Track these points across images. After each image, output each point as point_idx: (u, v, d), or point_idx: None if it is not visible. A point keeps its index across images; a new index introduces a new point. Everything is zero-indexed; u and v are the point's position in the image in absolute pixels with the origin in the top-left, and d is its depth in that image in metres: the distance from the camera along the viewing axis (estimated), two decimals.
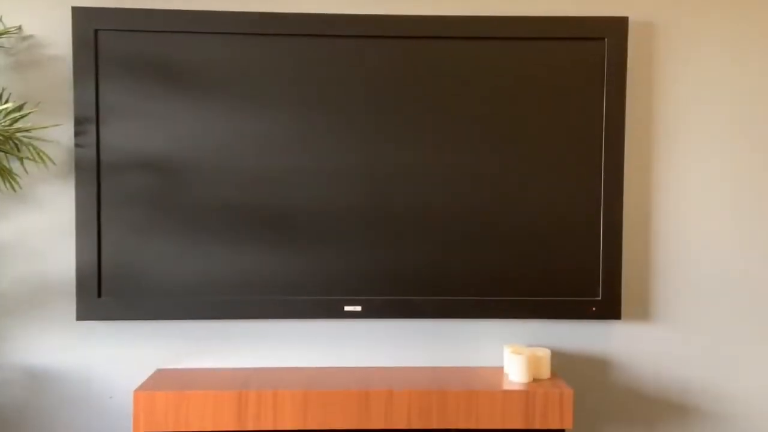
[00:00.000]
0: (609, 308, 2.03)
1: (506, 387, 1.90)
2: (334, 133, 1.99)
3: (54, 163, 1.95)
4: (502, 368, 2.05)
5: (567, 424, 1.87)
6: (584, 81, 2.01)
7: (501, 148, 2.02)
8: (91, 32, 1.93)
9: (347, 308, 2.01)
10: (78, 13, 1.93)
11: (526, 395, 1.87)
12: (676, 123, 2.08)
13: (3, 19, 1.95)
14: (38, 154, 1.87)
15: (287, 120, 1.99)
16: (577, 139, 2.02)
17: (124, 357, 2.04)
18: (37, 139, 1.90)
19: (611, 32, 2.00)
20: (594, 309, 2.03)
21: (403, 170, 2.01)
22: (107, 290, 1.97)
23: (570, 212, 2.03)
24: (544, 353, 1.99)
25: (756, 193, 2.10)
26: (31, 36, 1.98)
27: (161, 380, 1.94)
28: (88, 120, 1.94)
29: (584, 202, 2.02)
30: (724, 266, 2.11)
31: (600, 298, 2.03)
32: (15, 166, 1.92)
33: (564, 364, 2.09)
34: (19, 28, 1.97)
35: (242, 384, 1.90)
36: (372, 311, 2.01)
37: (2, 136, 1.81)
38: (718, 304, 2.11)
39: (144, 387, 1.88)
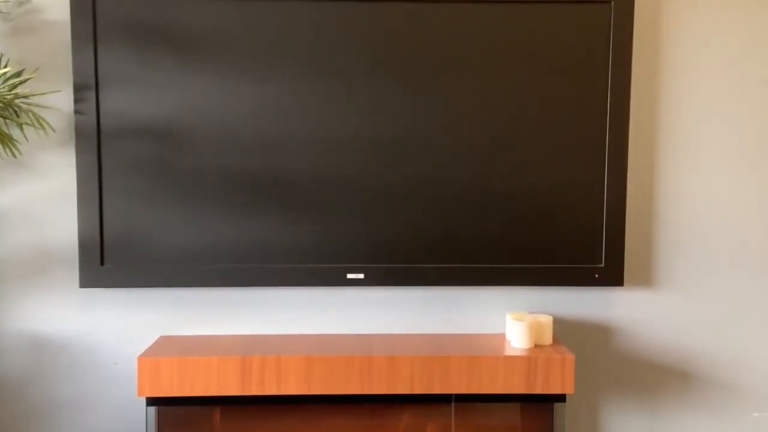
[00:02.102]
0: (612, 275, 2.03)
1: (508, 353, 1.91)
2: (336, 100, 1.97)
3: (54, 130, 1.94)
4: (504, 335, 2.06)
5: (568, 389, 1.88)
6: (590, 45, 1.98)
7: (504, 114, 1.99)
8: None
9: (350, 276, 2.01)
10: None
11: (528, 360, 1.87)
12: (683, 88, 2.06)
13: None
14: (38, 120, 1.85)
15: (290, 86, 1.96)
16: (581, 104, 2.00)
17: (127, 324, 2.05)
18: (37, 105, 1.88)
19: None
20: (597, 276, 2.03)
21: (405, 137, 1.99)
22: (110, 258, 1.98)
23: (573, 179, 2.01)
24: (547, 320, 1.99)
25: (762, 159, 2.08)
26: (28, 0, 1.95)
27: (165, 347, 1.96)
28: (88, 86, 1.92)
29: (588, 169, 2.01)
30: (727, 233, 2.10)
31: (603, 265, 2.02)
32: (15, 133, 1.91)
33: (566, 331, 2.10)
34: None
35: (246, 350, 1.91)
36: (375, 279, 2.01)
37: (1, 102, 1.80)
38: (720, 271, 2.11)
39: (148, 353, 1.89)
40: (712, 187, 2.09)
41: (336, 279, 2.01)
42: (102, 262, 1.97)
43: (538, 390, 1.88)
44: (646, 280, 2.10)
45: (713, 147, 2.08)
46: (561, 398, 1.94)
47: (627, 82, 1.99)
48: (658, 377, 2.13)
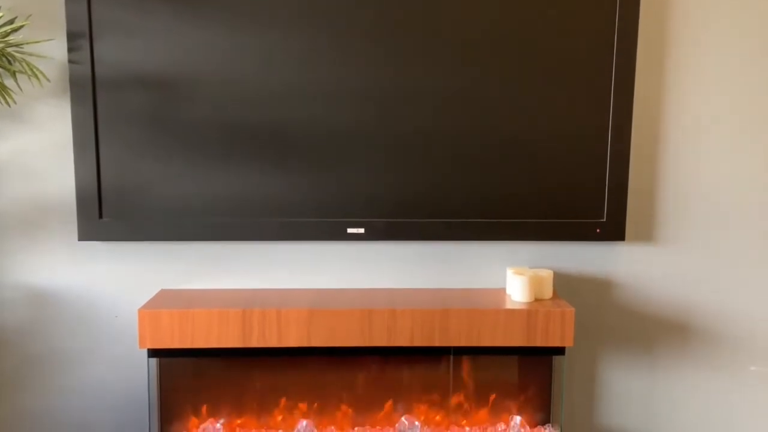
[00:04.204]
0: (613, 230, 2.02)
1: (508, 306, 1.91)
2: (338, 52, 1.93)
3: (48, 80, 1.90)
4: (504, 289, 2.06)
5: (568, 342, 1.89)
6: None
7: (506, 67, 1.95)
8: None
9: (350, 230, 2.00)
10: None
11: (528, 314, 1.88)
12: (689, 43, 2.01)
13: None
14: (31, 69, 1.81)
15: (290, 37, 1.92)
16: (585, 57, 1.96)
17: (127, 277, 2.05)
18: (30, 54, 1.84)
19: None
20: (598, 231, 2.02)
21: (407, 90, 1.95)
22: (108, 211, 1.96)
23: (576, 133, 1.98)
24: (547, 274, 1.99)
25: (766, 114, 2.06)
26: None
27: (165, 299, 1.96)
28: (82, 35, 1.87)
29: (591, 123, 1.98)
30: (729, 188, 2.08)
31: (604, 220, 2.01)
32: (9, 83, 1.87)
33: (567, 286, 2.10)
34: None
35: (246, 303, 1.91)
36: (375, 233, 2.00)
37: None
38: (722, 226, 2.10)
39: (148, 306, 1.89)
40: (715, 142, 2.06)
41: (336, 233, 2.00)
42: (100, 215, 1.95)
43: (538, 343, 1.89)
44: (648, 235, 2.09)
45: (719, 102, 2.04)
46: (560, 351, 1.95)
47: (634, 34, 1.94)
48: (658, 331, 2.14)
